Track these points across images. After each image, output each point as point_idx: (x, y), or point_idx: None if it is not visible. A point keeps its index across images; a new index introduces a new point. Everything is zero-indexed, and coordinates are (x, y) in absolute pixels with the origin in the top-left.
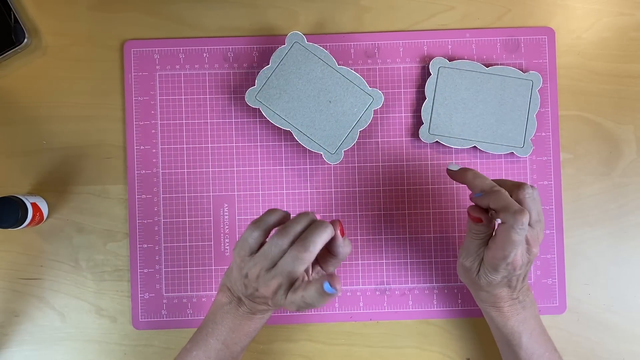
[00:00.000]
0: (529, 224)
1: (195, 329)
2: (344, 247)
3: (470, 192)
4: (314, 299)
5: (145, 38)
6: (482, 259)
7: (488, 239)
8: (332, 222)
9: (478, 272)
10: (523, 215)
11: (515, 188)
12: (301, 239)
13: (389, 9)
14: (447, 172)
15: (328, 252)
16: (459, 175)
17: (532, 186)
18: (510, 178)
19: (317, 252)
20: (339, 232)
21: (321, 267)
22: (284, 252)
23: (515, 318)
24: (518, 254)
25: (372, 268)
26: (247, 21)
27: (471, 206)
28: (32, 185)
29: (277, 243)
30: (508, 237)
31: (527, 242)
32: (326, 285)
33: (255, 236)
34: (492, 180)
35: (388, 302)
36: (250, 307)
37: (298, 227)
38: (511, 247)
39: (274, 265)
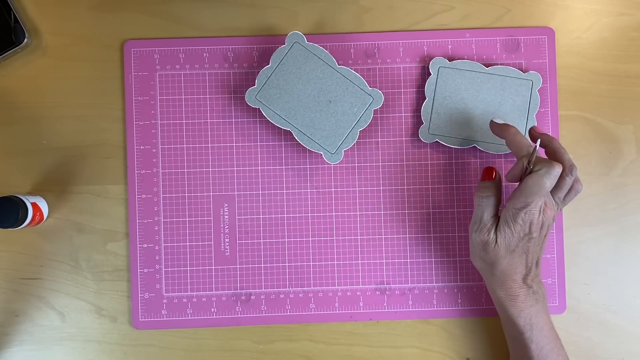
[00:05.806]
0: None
1: (196, 329)
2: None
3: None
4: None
5: (145, 38)
6: (497, 226)
7: (497, 205)
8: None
9: (496, 241)
10: (558, 166)
11: (567, 163)
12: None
13: (389, 9)
14: (490, 125)
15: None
16: (500, 129)
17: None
18: None
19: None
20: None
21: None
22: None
23: (529, 310)
24: (537, 206)
25: (372, 268)
26: (247, 21)
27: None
28: (32, 185)
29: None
30: (539, 180)
31: (545, 204)
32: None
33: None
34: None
35: (388, 302)
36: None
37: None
38: (537, 190)
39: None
